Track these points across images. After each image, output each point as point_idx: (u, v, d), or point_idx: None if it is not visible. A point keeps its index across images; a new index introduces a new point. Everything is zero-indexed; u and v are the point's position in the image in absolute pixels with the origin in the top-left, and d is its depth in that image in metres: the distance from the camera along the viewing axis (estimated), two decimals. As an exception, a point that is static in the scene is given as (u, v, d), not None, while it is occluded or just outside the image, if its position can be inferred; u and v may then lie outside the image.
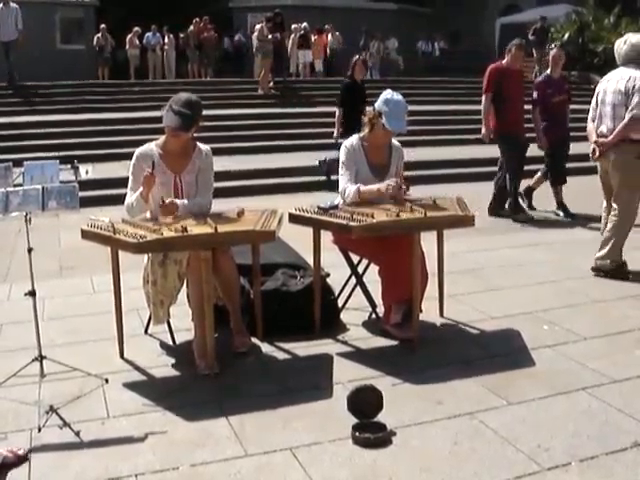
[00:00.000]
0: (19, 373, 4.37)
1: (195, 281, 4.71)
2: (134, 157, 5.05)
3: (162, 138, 5.11)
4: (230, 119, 16.56)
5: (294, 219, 5.20)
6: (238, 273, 5.06)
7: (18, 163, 4.47)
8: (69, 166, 4.49)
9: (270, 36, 19.83)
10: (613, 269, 6.70)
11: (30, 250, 4.29)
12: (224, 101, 18.30)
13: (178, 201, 4.93)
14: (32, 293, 4.31)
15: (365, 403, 3.94)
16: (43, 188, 4.19)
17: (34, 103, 17.42)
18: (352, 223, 4.73)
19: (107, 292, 5.49)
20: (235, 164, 12.96)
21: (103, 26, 24.31)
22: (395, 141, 5.59)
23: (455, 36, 35.34)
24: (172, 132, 4.96)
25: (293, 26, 23.88)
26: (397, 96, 5.36)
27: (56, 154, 11.16)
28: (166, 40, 25.05)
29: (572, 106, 10.16)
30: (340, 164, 5.45)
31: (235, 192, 10.87)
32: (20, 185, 4.26)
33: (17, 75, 18.18)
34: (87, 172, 4.54)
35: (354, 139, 5.47)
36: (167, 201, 4.87)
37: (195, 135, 5.17)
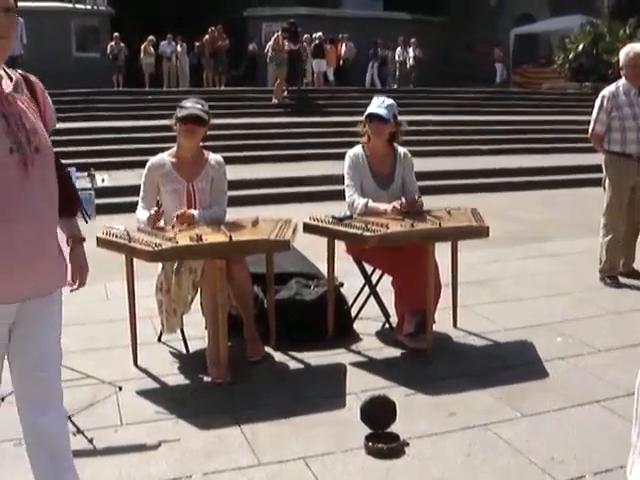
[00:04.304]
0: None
1: (209, 290, 4.73)
2: (146, 167, 5.10)
3: (173, 148, 5.15)
4: (244, 128, 16.60)
5: (309, 229, 5.20)
6: (252, 282, 5.07)
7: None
8: (85, 174, 4.52)
9: (285, 46, 19.91)
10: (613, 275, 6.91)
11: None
12: (238, 110, 18.36)
13: (193, 211, 4.95)
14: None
15: (378, 413, 3.93)
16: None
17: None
18: (367, 233, 4.72)
19: (120, 299, 5.51)
20: (249, 173, 12.99)
21: (116, 34, 24.42)
22: (402, 149, 5.58)
23: (472, 44, 35.31)
24: (189, 126, 4.97)
25: (305, 35, 23.92)
26: (382, 97, 5.49)
27: (70, 161, 11.19)
28: (179, 49, 25.15)
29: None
30: (345, 174, 5.45)
31: (248, 201, 10.88)
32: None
33: None
34: (103, 180, 4.58)
35: (357, 148, 5.48)
36: (181, 211, 4.89)
37: (209, 144, 5.22)
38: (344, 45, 26.88)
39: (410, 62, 27.61)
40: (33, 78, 2.87)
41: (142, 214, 4.99)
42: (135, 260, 4.77)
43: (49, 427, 2.90)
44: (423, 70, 27.11)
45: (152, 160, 5.13)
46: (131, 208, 8.42)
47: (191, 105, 4.99)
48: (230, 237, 4.49)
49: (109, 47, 24.37)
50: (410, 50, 27.57)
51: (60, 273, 2.88)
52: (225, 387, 4.59)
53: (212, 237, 4.54)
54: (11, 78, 2.74)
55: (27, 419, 2.91)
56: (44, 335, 2.87)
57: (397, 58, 27.65)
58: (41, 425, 2.89)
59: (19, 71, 2.85)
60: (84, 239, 3.15)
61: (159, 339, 5.39)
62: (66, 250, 3.00)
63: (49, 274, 2.80)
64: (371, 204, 5.28)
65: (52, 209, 2.80)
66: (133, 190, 9.58)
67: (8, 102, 2.64)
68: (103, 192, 7.32)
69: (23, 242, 2.63)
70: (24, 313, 2.76)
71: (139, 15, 28.63)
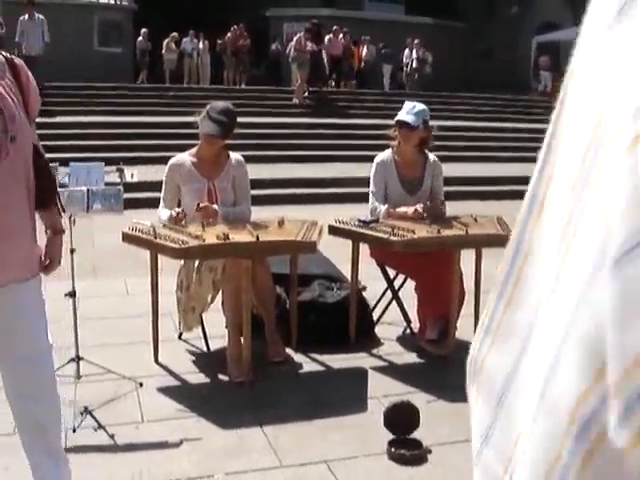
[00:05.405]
0: (56, 373, 4.37)
1: (231, 290, 4.71)
2: (167, 167, 5.12)
3: (195, 147, 5.17)
4: (264, 127, 16.58)
5: (334, 231, 5.19)
6: (274, 283, 5.06)
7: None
8: (114, 168, 4.52)
9: (308, 46, 19.91)
10: None
11: (72, 251, 4.30)
12: (258, 109, 18.35)
13: (216, 206, 4.96)
14: (72, 294, 4.32)
15: (402, 419, 3.91)
16: (88, 190, 4.21)
17: (69, 104, 17.53)
18: (393, 238, 4.70)
19: (140, 295, 5.52)
20: (268, 172, 12.98)
21: (145, 30, 24.43)
22: (432, 156, 5.56)
23: (488, 51, 35.20)
24: (208, 139, 5.00)
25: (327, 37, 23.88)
26: (414, 102, 5.46)
27: (89, 155, 11.25)
28: (201, 46, 25.18)
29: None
30: (371, 180, 5.44)
31: (267, 201, 10.86)
32: (65, 185, 4.28)
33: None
34: (132, 176, 4.56)
35: (387, 153, 5.46)
36: (204, 203, 4.90)
37: (228, 142, 5.22)
38: (365, 47, 26.84)
39: (414, 64, 26.50)
40: (18, 62, 2.79)
41: (164, 213, 5.01)
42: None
43: (41, 419, 2.90)
44: (429, 75, 26.78)
45: (172, 160, 5.15)
46: (148, 204, 8.47)
47: (216, 116, 4.95)
48: (257, 237, 4.48)
49: (138, 42, 24.39)
50: (414, 52, 26.46)
51: (30, 264, 2.85)
52: (246, 387, 4.59)
53: (239, 236, 4.53)
54: None
55: (18, 411, 2.90)
56: (22, 326, 2.84)
57: (405, 60, 27.09)
58: (33, 417, 2.89)
59: (3, 53, 2.76)
60: (63, 231, 3.14)
61: (180, 336, 5.38)
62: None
63: (15, 264, 2.76)
64: (392, 210, 5.27)
65: (24, 199, 2.74)
66: (150, 186, 9.65)
67: None
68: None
69: None
70: None
71: (162, 11, 28.69)
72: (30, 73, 2.84)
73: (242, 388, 4.57)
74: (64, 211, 3.22)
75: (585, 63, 0.50)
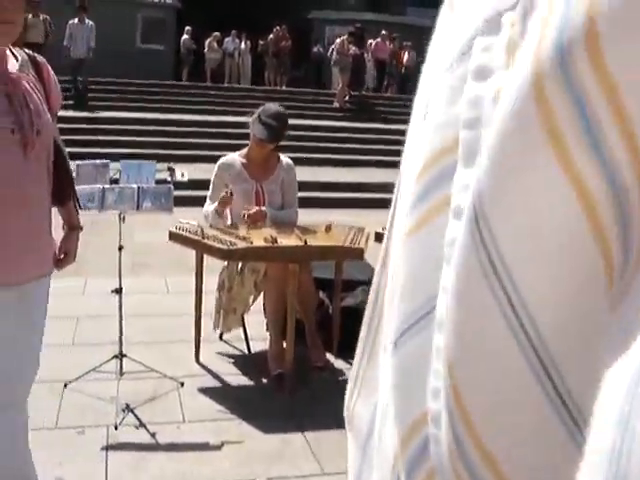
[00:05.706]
0: (98, 369, 4.39)
1: (273, 293, 4.70)
2: (216, 166, 5.10)
3: (246, 148, 5.16)
4: (304, 129, 16.57)
5: (381, 238, 5.14)
6: (316, 288, 5.04)
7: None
8: (165, 166, 4.52)
9: (351, 50, 19.89)
10: None
11: (120, 248, 4.31)
12: (299, 111, 18.34)
13: (264, 208, 4.94)
14: (118, 290, 4.34)
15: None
16: (139, 188, 4.21)
17: (110, 99, 17.66)
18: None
19: (181, 294, 5.53)
20: (309, 175, 12.95)
21: (188, 28, 24.48)
22: None
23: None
24: (258, 142, 4.98)
25: (369, 41, 23.82)
26: None
27: (129, 151, 11.33)
28: (243, 46, 25.23)
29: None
30: None
31: (310, 203, 10.79)
32: (116, 182, 4.29)
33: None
34: (183, 175, 4.56)
35: None
36: (254, 209, 4.89)
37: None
38: (407, 53, 26.75)
39: None
40: (40, 59, 2.85)
41: (209, 206, 4.99)
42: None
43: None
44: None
45: (223, 159, 5.13)
46: (186, 202, 8.49)
47: (266, 120, 4.93)
48: (305, 241, 4.46)
49: (183, 41, 24.46)
50: None
51: (47, 260, 2.89)
52: (287, 392, 4.56)
53: (287, 240, 4.51)
54: (17, 58, 2.72)
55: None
56: (36, 323, 2.86)
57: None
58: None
59: (26, 51, 2.82)
60: (81, 227, 3.17)
61: (220, 337, 5.37)
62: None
63: (42, 257, 2.81)
64: None
65: (46, 192, 2.79)
66: (189, 184, 9.66)
67: (13, 82, 2.62)
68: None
69: (19, 225, 2.63)
70: (21, 297, 2.75)
71: (205, 10, 28.78)
72: (51, 69, 2.90)
73: (283, 392, 4.54)
74: (80, 208, 3.29)
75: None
